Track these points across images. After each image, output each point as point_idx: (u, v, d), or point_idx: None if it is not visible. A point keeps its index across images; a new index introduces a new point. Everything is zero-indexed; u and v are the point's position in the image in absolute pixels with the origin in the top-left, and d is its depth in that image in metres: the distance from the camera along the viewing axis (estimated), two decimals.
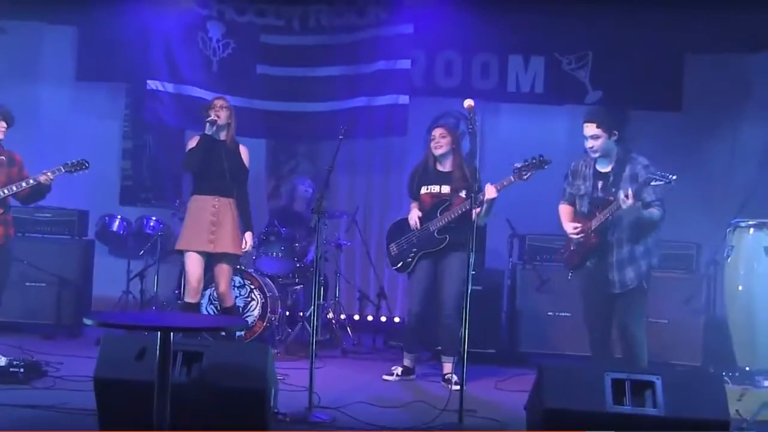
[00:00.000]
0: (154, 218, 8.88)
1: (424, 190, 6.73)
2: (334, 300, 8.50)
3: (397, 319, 8.98)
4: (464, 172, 6.60)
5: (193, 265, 6.57)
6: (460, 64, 9.27)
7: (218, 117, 6.53)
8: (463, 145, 9.10)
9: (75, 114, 9.75)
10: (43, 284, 8.07)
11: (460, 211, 6.42)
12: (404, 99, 8.72)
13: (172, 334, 4.13)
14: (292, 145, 9.84)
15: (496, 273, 8.08)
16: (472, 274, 5.23)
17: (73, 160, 6.56)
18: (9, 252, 6.76)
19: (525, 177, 5.99)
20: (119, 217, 8.96)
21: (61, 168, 6.50)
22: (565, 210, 6.20)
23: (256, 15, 8.98)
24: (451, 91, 9.20)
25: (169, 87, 8.83)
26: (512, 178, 6.16)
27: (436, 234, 6.57)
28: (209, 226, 6.53)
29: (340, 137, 5.96)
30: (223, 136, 6.66)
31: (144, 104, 8.99)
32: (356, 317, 9.11)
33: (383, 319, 8.97)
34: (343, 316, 8.57)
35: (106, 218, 8.92)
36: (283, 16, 8.95)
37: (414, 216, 6.70)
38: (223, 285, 6.66)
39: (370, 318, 9.12)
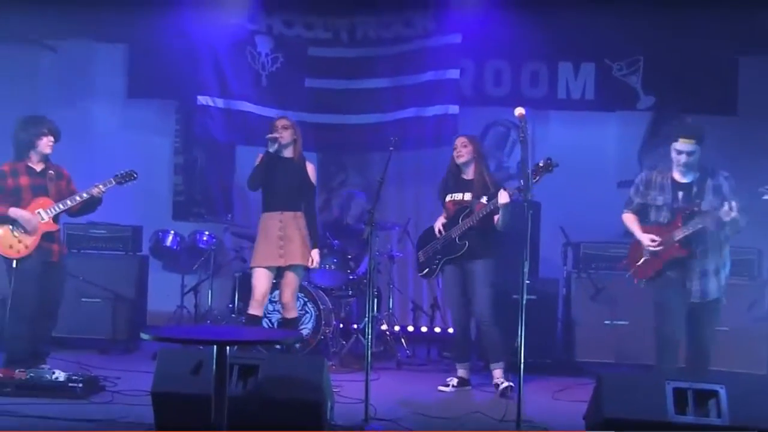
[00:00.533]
0: (206, 233, 8.92)
1: (448, 198, 6.80)
2: (388, 311, 8.49)
3: (451, 330, 8.60)
4: (485, 179, 6.66)
5: (261, 279, 6.64)
6: (509, 72, 9.28)
7: (281, 136, 6.60)
8: (514, 153, 9.26)
9: (126, 130, 9.84)
10: (99, 300, 8.13)
11: (479, 216, 6.48)
12: (454, 109, 8.73)
13: (227, 347, 4.14)
14: (341, 158, 9.87)
15: (551, 282, 7.99)
16: (527, 284, 5.20)
17: (122, 171, 6.62)
18: (63, 269, 6.81)
19: (534, 181, 5.83)
20: (172, 232, 9.01)
21: (112, 180, 6.57)
22: (631, 219, 6.12)
23: (304, 28, 9.03)
24: (500, 100, 9.20)
25: (219, 102, 8.89)
26: (521, 182, 5.97)
27: (457, 240, 6.64)
28: (277, 240, 6.59)
29: (391, 148, 6.00)
30: (288, 153, 6.72)
31: (194, 120, 9.09)
32: (410, 328, 9.11)
33: (437, 330, 8.95)
34: (397, 328, 8.55)
35: (160, 233, 8.98)
36: (331, 29, 9.01)
37: (438, 223, 6.81)
38: (287, 294, 6.71)
39: (424, 329, 9.08)
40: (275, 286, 7.01)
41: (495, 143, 9.57)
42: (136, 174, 6.67)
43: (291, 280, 6.71)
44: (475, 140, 6.91)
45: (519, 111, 5.40)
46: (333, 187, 9.92)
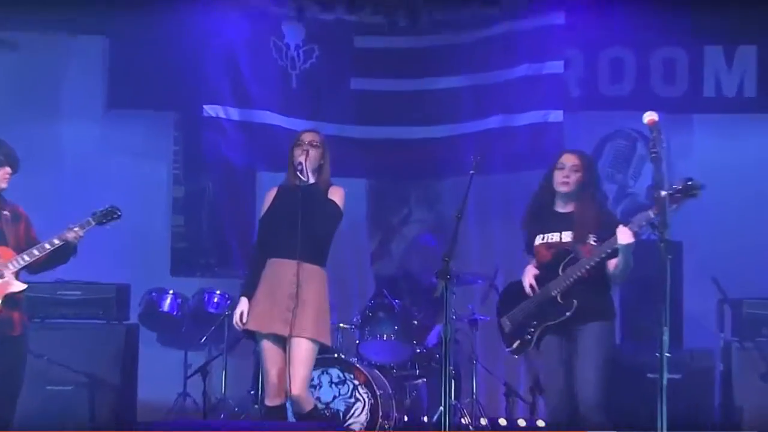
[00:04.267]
0: (218, 292, 8.91)
1: (539, 239, 6.59)
2: (471, 398, 8.47)
3: (541, 423, 8.92)
4: (593, 213, 6.49)
5: (271, 354, 6.50)
6: (633, 63, 9.26)
7: (307, 155, 6.54)
8: (643, 174, 9.28)
9: (106, 154, 9.87)
10: (70, 387, 8.07)
11: (589, 264, 6.26)
12: (556, 116, 8.81)
13: None
14: (402, 186, 9.93)
15: (702, 355, 7.95)
16: (667, 358, 5.00)
17: (102, 208, 6.60)
18: (24, 345, 6.65)
19: (672, 209, 5.52)
20: (171, 292, 9.02)
21: (91, 221, 6.53)
22: None
23: (348, 10, 9.13)
24: (622, 102, 9.22)
25: (234, 113, 9.01)
26: (651, 213, 5.81)
27: (559, 299, 6.37)
28: (286, 300, 6.42)
29: (471, 172, 6.02)
30: (313, 179, 6.61)
31: (200, 137, 9.16)
32: (502, 421, 8.99)
33: (540, 423, 8.85)
34: (484, 421, 8.52)
35: (154, 294, 8.98)
36: (384, 10, 9.09)
37: (529, 277, 6.56)
38: (297, 384, 6.41)
39: (521, 422, 9.02)
40: (322, 362, 7.20)
41: (614, 162, 9.58)
42: (119, 211, 6.61)
43: (301, 357, 6.43)
44: (589, 161, 6.73)
45: (649, 117, 5.33)
46: (392, 227, 9.97)
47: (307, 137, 6.66)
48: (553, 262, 6.45)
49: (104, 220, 6.58)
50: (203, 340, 8.81)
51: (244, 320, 6.50)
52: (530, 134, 8.80)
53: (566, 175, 6.46)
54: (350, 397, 7.78)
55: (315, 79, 9.12)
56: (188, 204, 10.08)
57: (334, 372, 7.77)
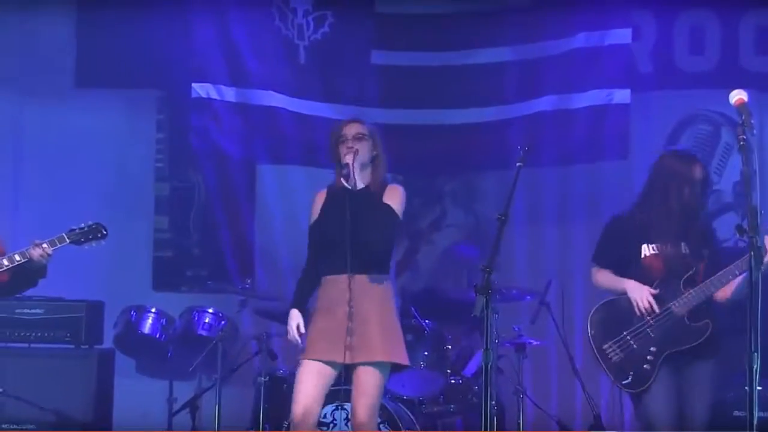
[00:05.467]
0: (210, 311, 8.81)
1: (647, 250, 6.55)
2: None
3: None
4: (704, 222, 6.68)
5: (308, 381, 6.41)
6: (717, 31, 9.05)
7: (354, 155, 6.42)
8: (729, 166, 9.40)
9: (74, 141, 9.73)
10: (31, 426, 8.04)
11: (721, 284, 6.24)
12: (623, 96, 8.71)
13: None
14: (434, 182, 9.83)
15: None
16: (758, 392, 4.86)
17: (83, 225, 6.55)
18: None
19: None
20: (154, 311, 8.91)
21: (65, 237, 6.46)
22: None
23: None
24: (702, 79, 9.05)
25: (229, 93, 8.95)
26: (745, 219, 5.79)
27: (687, 320, 6.33)
28: (343, 320, 6.35)
29: (519, 164, 5.83)
30: (364, 179, 6.54)
31: (188, 123, 9.11)
32: None
33: None
34: None
35: (133, 314, 8.85)
36: None
37: (644, 294, 6.45)
38: (360, 410, 6.38)
39: None
40: (335, 395, 6.83)
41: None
42: (105, 230, 6.63)
43: (366, 386, 6.38)
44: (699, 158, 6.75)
45: (737, 96, 5.23)
46: (421, 232, 9.87)
47: (351, 130, 6.55)
48: (669, 277, 6.46)
49: (83, 240, 6.56)
50: (192, 368, 8.56)
51: (303, 331, 6.49)
52: (590, 118, 8.73)
53: (694, 170, 6.51)
54: None
55: (328, 51, 9.07)
56: (174, 203, 10.03)
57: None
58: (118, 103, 9.77)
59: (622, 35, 8.64)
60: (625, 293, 6.51)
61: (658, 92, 9.08)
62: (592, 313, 6.72)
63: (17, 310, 8.26)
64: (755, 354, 4.70)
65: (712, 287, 6.25)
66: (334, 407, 7.50)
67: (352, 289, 6.36)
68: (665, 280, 6.43)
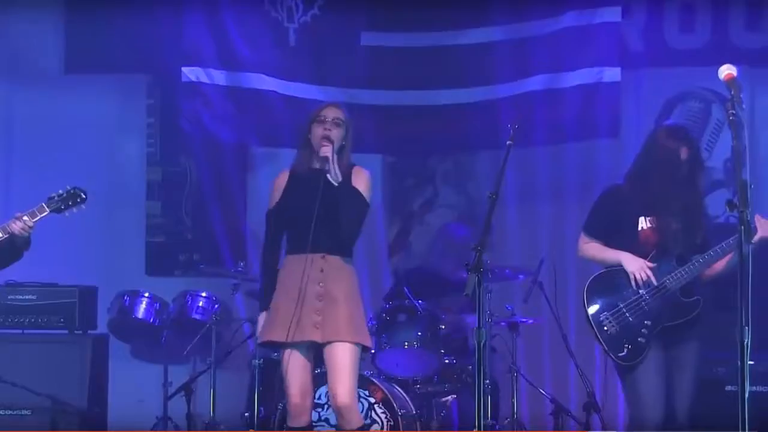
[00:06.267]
0: (203, 295, 8.94)
1: (644, 223, 6.60)
2: (511, 418, 8.32)
3: None
4: (701, 195, 6.73)
5: (293, 366, 6.50)
6: (708, 8, 9.07)
7: (330, 141, 6.52)
8: (720, 143, 9.38)
9: (63, 127, 9.78)
10: (27, 412, 8.10)
11: (714, 259, 6.33)
12: (613, 74, 8.71)
13: None
14: (425, 162, 9.88)
15: None
16: (750, 366, 4.82)
17: (61, 191, 6.48)
18: None
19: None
20: (147, 295, 9.01)
21: (44, 206, 6.42)
22: None
23: None
24: (693, 56, 9.07)
25: (219, 77, 8.98)
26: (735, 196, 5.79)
27: (680, 295, 6.39)
28: (313, 301, 6.45)
29: (509, 143, 5.89)
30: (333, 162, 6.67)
31: (179, 107, 9.14)
32: None
33: None
34: None
35: (126, 299, 8.93)
36: None
37: (640, 265, 6.49)
38: (339, 388, 6.47)
39: None
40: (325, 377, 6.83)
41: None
42: (84, 193, 6.52)
43: (342, 363, 6.48)
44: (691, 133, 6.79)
45: (727, 71, 5.23)
46: (413, 212, 9.91)
47: (330, 113, 6.65)
48: (664, 252, 6.51)
49: (63, 207, 6.48)
50: (186, 351, 8.72)
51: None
52: (581, 97, 8.73)
53: (681, 147, 6.57)
54: (365, 418, 7.58)
55: (318, 34, 9.09)
56: (166, 188, 10.07)
57: None
58: (107, 88, 9.82)
59: (611, 13, 8.64)
60: (619, 265, 6.54)
61: (649, 70, 9.15)
62: (587, 284, 6.72)
63: (10, 296, 8.35)
64: (746, 328, 4.70)
65: (705, 264, 6.33)
66: (326, 388, 7.41)
67: (325, 269, 6.49)
68: (660, 254, 6.49)
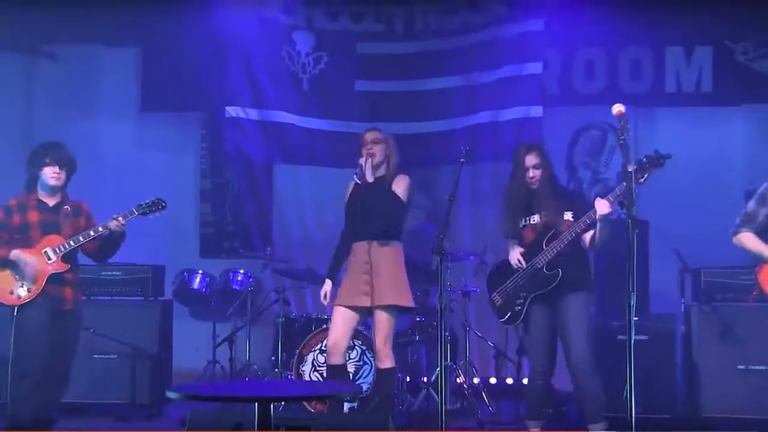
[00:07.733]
0: (242, 271, 9.05)
1: (522, 223, 6.70)
2: (465, 360, 8.43)
3: (525, 381, 8.56)
4: (560, 192, 6.69)
5: (337, 320, 6.70)
6: (603, 63, 9.35)
7: (371, 156, 6.67)
8: (614, 161, 9.31)
9: (141, 151, 10.01)
10: (114, 356, 8.16)
11: (569, 237, 6.37)
12: (537, 111, 8.84)
13: (272, 405, 4.17)
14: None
15: (665, 318, 7.83)
16: (635, 321, 5.01)
17: (148, 200, 6.65)
18: (78, 319, 6.78)
19: (640, 181, 5.75)
20: (200, 271, 9.15)
21: (134, 210, 6.58)
22: (752, 240, 6.17)
23: (352, 20, 9.26)
24: (594, 98, 9.28)
25: (252, 113, 9.11)
26: (625, 184, 5.91)
27: (545, 270, 6.49)
28: (362, 275, 6.64)
29: (462, 160, 6.07)
30: (380, 173, 6.77)
31: (223, 135, 9.24)
32: (493, 380, 8.97)
33: (526, 381, 8.40)
34: (476, 380, 8.49)
35: (185, 274, 9.10)
36: (384, 20, 9.23)
37: (516, 253, 6.68)
38: (378, 340, 6.66)
39: (509, 380, 8.96)
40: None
41: (589, 150, 9.63)
42: (165, 203, 6.68)
43: (381, 323, 6.64)
44: (543, 151, 6.71)
45: (617, 109, 5.30)
46: None
47: (370, 136, 6.78)
48: (537, 240, 6.55)
49: (148, 212, 6.64)
50: (229, 313, 8.92)
51: (327, 299, 6.77)
52: (514, 128, 8.83)
53: (533, 175, 6.53)
54: (359, 360, 7.81)
55: (324, 82, 9.19)
56: (214, 194, 10.20)
57: None
58: (172, 122, 10.03)
59: (535, 67, 8.79)
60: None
61: (562, 108, 9.26)
62: (489, 272, 7.04)
63: (102, 273, 8.36)
64: (632, 293, 4.87)
65: (562, 243, 6.33)
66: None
67: (372, 251, 6.63)
68: (533, 242, 6.56)
